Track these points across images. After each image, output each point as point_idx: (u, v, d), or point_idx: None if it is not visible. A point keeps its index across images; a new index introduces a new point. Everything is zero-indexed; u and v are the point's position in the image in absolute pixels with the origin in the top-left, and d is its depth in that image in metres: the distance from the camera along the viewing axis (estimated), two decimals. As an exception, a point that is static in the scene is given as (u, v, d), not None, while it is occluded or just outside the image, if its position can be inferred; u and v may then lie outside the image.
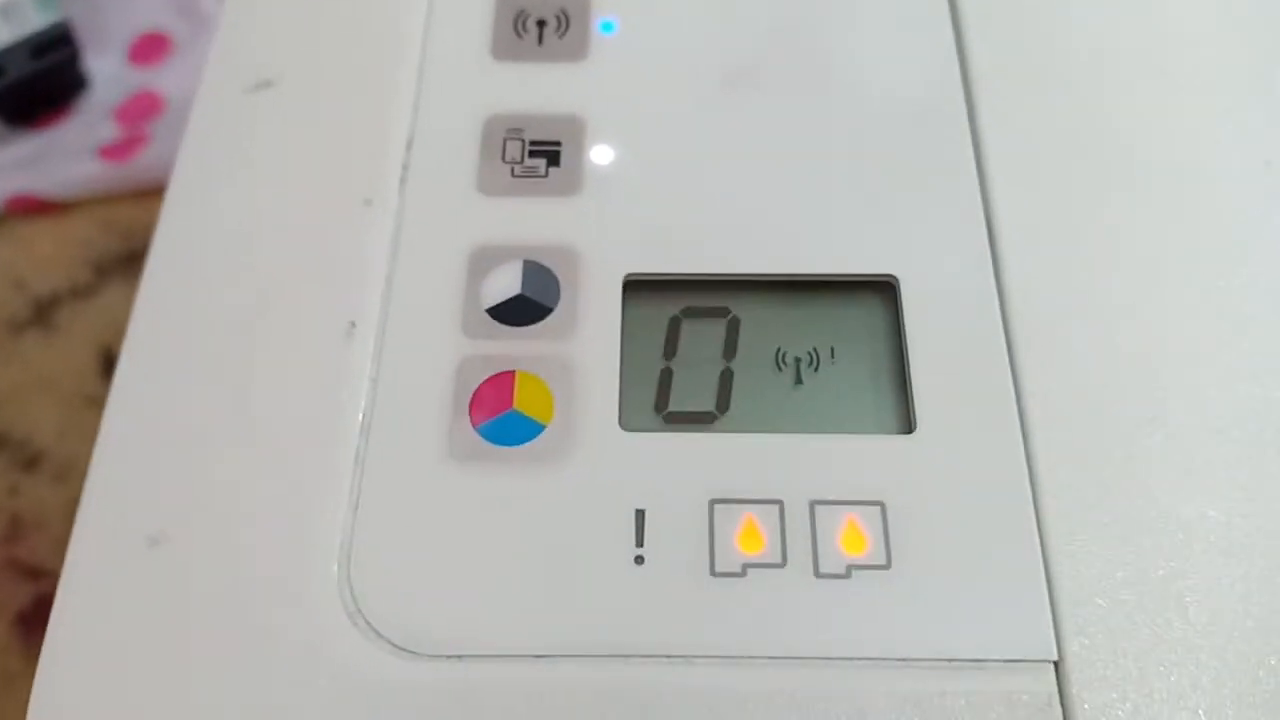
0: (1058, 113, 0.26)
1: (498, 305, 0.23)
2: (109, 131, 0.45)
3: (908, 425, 0.22)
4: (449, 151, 0.25)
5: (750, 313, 0.24)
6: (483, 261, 0.24)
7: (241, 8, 0.28)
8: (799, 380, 0.23)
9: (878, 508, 0.21)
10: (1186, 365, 0.22)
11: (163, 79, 0.46)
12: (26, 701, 0.34)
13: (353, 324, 0.23)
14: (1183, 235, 0.24)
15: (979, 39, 0.27)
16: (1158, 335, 0.22)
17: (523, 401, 0.22)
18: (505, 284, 0.23)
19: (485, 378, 0.22)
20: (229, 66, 0.27)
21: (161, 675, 0.20)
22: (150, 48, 0.47)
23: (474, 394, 0.22)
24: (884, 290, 0.24)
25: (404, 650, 0.19)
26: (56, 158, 0.44)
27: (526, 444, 0.22)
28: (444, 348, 0.23)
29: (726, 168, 0.25)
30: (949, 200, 0.24)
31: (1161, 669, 0.19)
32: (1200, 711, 0.19)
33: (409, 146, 0.25)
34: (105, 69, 0.46)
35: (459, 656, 0.19)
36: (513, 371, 0.22)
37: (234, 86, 0.27)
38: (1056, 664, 0.19)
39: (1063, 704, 0.19)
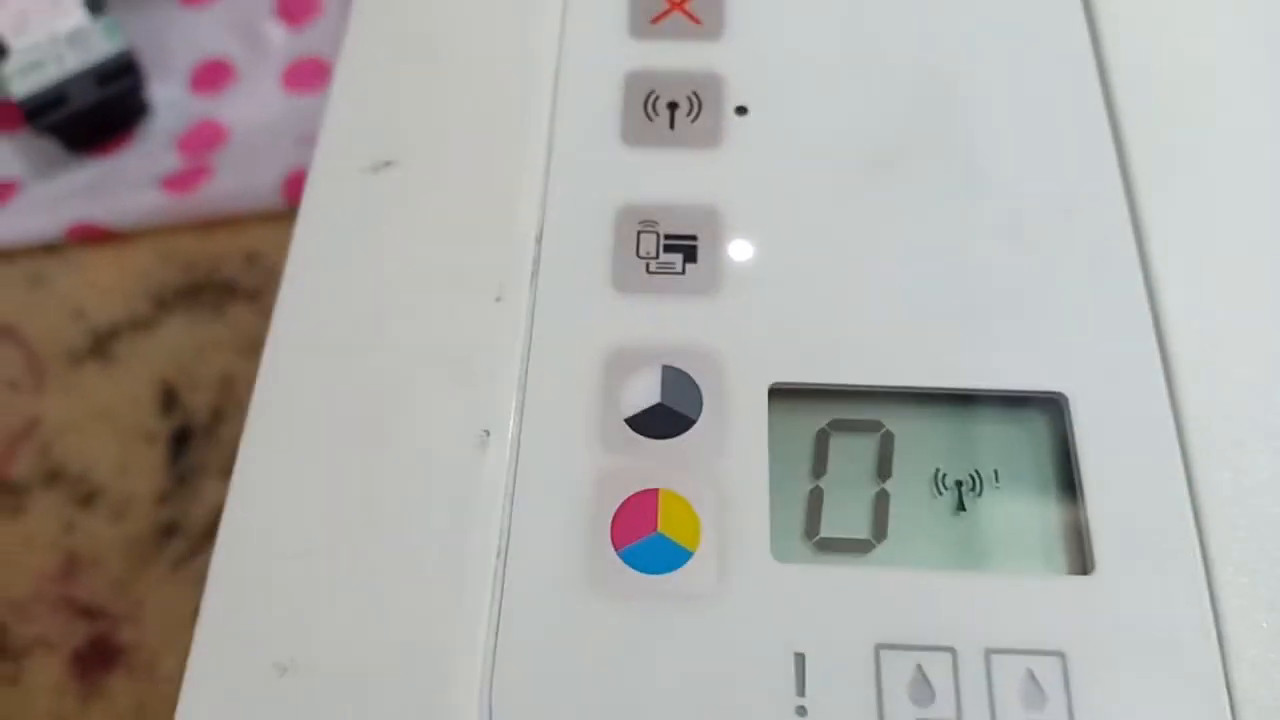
0: (1227, 208, 0.24)
1: (637, 415, 0.22)
2: (171, 161, 0.44)
3: (1083, 565, 0.20)
4: (581, 245, 0.24)
5: (905, 428, 0.22)
6: (619, 366, 0.22)
7: (355, 79, 0.27)
8: (961, 507, 0.21)
9: (1058, 658, 0.19)
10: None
11: (225, 108, 0.46)
12: None
13: (487, 433, 0.21)
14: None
15: (1136, 128, 0.25)
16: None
17: (667, 525, 0.21)
18: (644, 392, 0.22)
19: (627, 496, 0.21)
20: (345, 141, 0.26)
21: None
22: (212, 75, 0.47)
23: (615, 514, 0.21)
24: (1051, 407, 0.22)
25: (551, 800, 0.18)
26: (118, 187, 0.43)
27: (673, 572, 0.20)
28: (582, 461, 0.21)
29: (874, 265, 0.24)
30: (1116, 308, 0.23)
31: None
32: None
33: (539, 239, 0.24)
34: (167, 96, 0.46)
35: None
36: (656, 490, 0.21)
37: (352, 164, 0.25)
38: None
39: None
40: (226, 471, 0.37)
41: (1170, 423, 0.21)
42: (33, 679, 0.34)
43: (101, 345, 0.41)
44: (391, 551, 0.20)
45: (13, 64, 0.41)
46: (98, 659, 0.35)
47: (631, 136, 0.26)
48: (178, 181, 0.43)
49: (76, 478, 0.38)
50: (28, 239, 0.42)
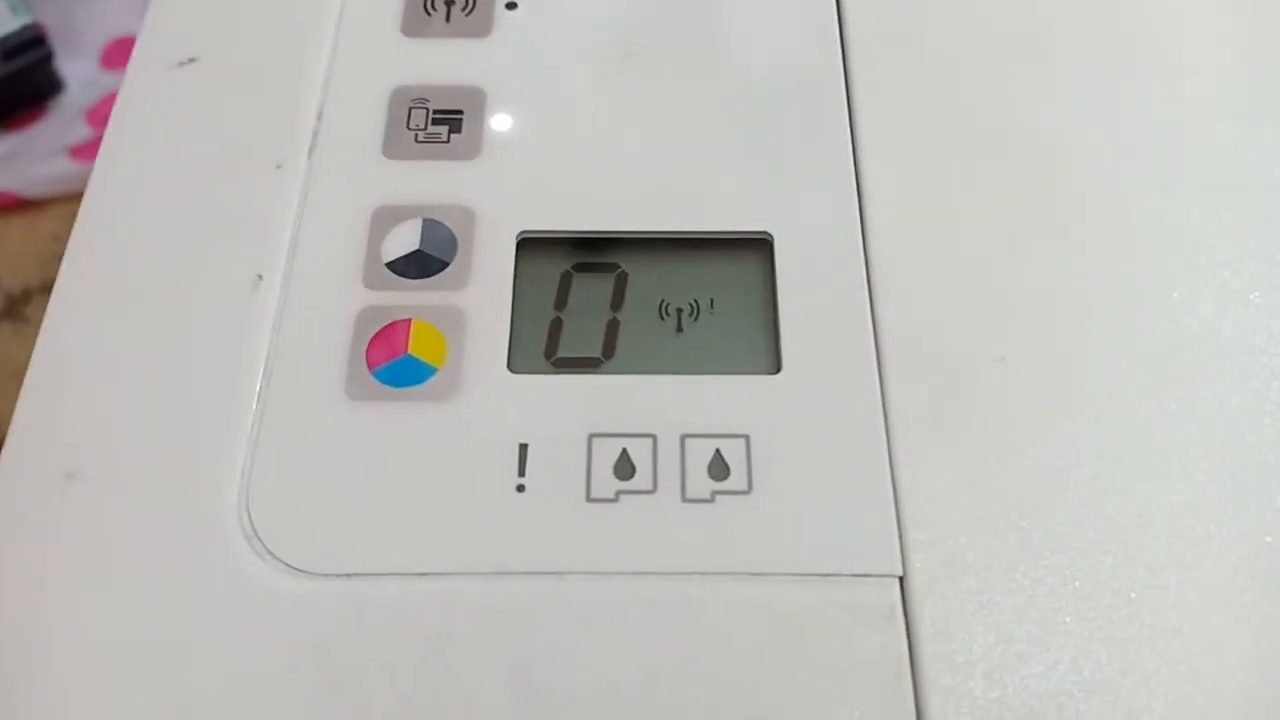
0: (928, 82, 0.27)
1: (397, 259, 0.25)
2: (80, 132, 0.46)
3: (775, 366, 0.24)
4: (357, 120, 0.27)
5: (637, 268, 0.25)
6: (385, 220, 0.25)
7: (169, -11, 0.30)
8: (680, 329, 0.25)
9: (743, 440, 0.23)
10: (1027, 310, 0.24)
11: None
12: None
13: (259, 276, 0.24)
14: (1033, 196, 0.26)
15: (857, 12, 0.29)
16: (1001, 287, 0.24)
17: (417, 347, 0.24)
18: (405, 240, 0.25)
19: (382, 325, 0.24)
20: (157, 44, 0.28)
21: (76, 598, 0.21)
22: (123, 52, 0.48)
23: (371, 340, 0.24)
24: (760, 247, 0.25)
25: (297, 570, 0.21)
26: (29, 157, 0.45)
27: (419, 385, 0.23)
28: (345, 299, 0.24)
29: (617, 135, 0.27)
30: (822, 164, 0.26)
31: (999, 584, 0.21)
32: (1033, 621, 0.21)
33: (319, 116, 0.27)
34: (79, 72, 0.48)
35: (350, 575, 0.21)
36: (409, 320, 0.24)
37: (161, 62, 0.28)
38: (901, 579, 0.21)
39: (906, 614, 0.21)
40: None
41: (860, 256, 0.25)
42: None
43: (14, 308, 0.43)
44: (172, 374, 0.23)
45: (-80, 39, 0.42)
46: None
47: (411, 29, 0.29)
48: (87, 150, 0.45)
49: None
50: (-59, 210, 0.43)
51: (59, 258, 0.44)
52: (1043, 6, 0.29)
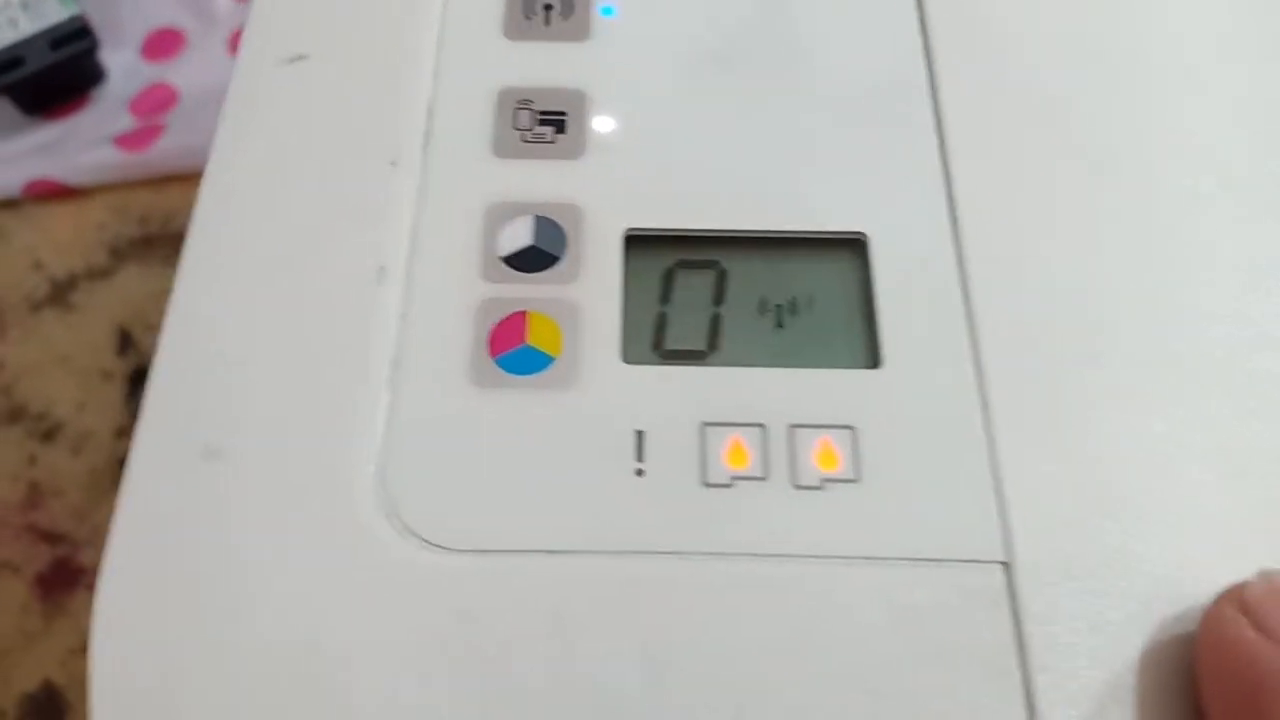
0: (1013, 86, 0.29)
1: (512, 254, 0.26)
2: (125, 121, 0.47)
3: (875, 361, 0.25)
4: (466, 119, 0.28)
5: (737, 265, 0.27)
6: (497, 216, 0.26)
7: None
8: (780, 324, 0.26)
9: (849, 431, 0.24)
10: (1124, 307, 0.25)
11: (176, 73, 0.48)
12: (46, 658, 0.36)
13: (382, 269, 0.25)
14: (1124, 195, 0.27)
15: (939, 15, 0.30)
16: (1097, 283, 0.25)
17: (535, 337, 0.25)
18: (518, 236, 0.26)
19: (502, 317, 0.25)
20: (264, 41, 0.30)
21: (217, 574, 0.22)
22: (163, 43, 0.49)
23: (492, 330, 0.25)
24: (855, 246, 0.27)
25: (434, 545, 0.22)
26: (74, 145, 0.46)
27: (539, 373, 0.24)
28: (465, 291, 0.25)
29: (714, 136, 0.28)
30: (912, 164, 0.27)
31: (1101, 569, 0.22)
32: (1134, 606, 0.22)
33: (430, 114, 0.28)
34: (121, 63, 0.48)
35: (482, 551, 0.22)
36: (525, 312, 0.25)
37: (269, 59, 0.29)
38: (1005, 564, 0.22)
39: (1012, 599, 0.22)
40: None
41: (952, 253, 0.26)
42: (-1, 599, 0.37)
43: (60, 294, 0.44)
44: (305, 360, 0.24)
45: (-31, 29, 0.43)
46: (60, 581, 0.38)
47: (513, 32, 0.30)
48: (131, 139, 0.45)
49: (38, 415, 0.41)
50: (-13, 195, 0.44)
51: (105, 245, 0.45)
52: (1129, 8, 0.30)
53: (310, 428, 0.23)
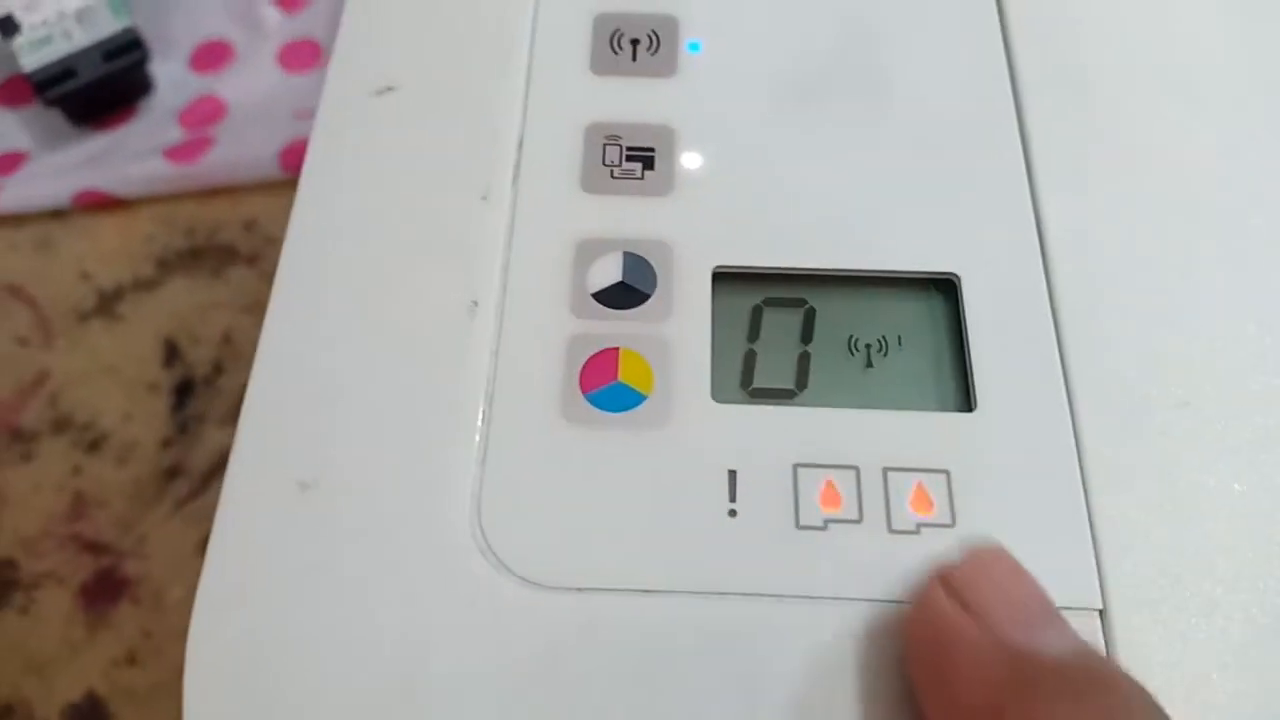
0: (1100, 121, 0.28)
1: (602, 290, 0.26)
2: (173, 133, 0.47)
3: (968, 404, 0.25)
4: (555, 154, 0.28)
5: (825, 303, 0.26)
6: (588, 252, 0.27)
7: (360, 15, 0.31)
8: (869, 364, 0.26)
9: (943, 475, 0.24)
10: (1215, 357, 0.25)
11: (224, 85, 0.48)
12: (89, 668, 0.37)
13: (475, 303, 0.26)
14: (1214, 238, 0.27)
15: (1026, 53, 0.30)
16: (1189, 331, 0.25)
17: (627, 374, 0.25)
18: (608, 272, 0.26)
19: (593, 353, 0.25)
20: (352, 71, 0.30)
21: (312, 606, 0.22)
22: (212, 55, 0.49)
23: (583, 366, 0.25)
24: (945, 286, 0.26)
25: (529, 582, 0.22)
26: (123, 156, 0.46)
27: (630, 411, 0.24)
28: (556, 326, 0.25)
29: (802, 172, 0.28)
30: (1002, 204, 0.27)
31: (1193, 620, 0.22)
32: (1224, 658, 0.22)
33: (519, 148, 0.28)
34: (169, 74, 0.48)
35: (577, 589, 0.22)
36: (617, 348, 0.25)
37: (358, 90, 0.30)
38: (1101, 612, 0.22)
39: (1107, 645, 0.22)
40: (226, 419, 0.40)
41: (1044, 295, 0.26)
42: (43, 610, 0.37)
43: (107, 304, 0.44)
44: (398, 393, 0.24)
45: (24, 39, 0.44)
46: (103, 592, 0.38)
47: (600, 67, 0.30)
48: (180, 151, 0.46)
49: (83, 425, 0.40)
50: (36, 205, 0.45)
51: (152, 257, 0.45)
52: (1203, 39, 0.30)
53: (404, 461, 0.24)
